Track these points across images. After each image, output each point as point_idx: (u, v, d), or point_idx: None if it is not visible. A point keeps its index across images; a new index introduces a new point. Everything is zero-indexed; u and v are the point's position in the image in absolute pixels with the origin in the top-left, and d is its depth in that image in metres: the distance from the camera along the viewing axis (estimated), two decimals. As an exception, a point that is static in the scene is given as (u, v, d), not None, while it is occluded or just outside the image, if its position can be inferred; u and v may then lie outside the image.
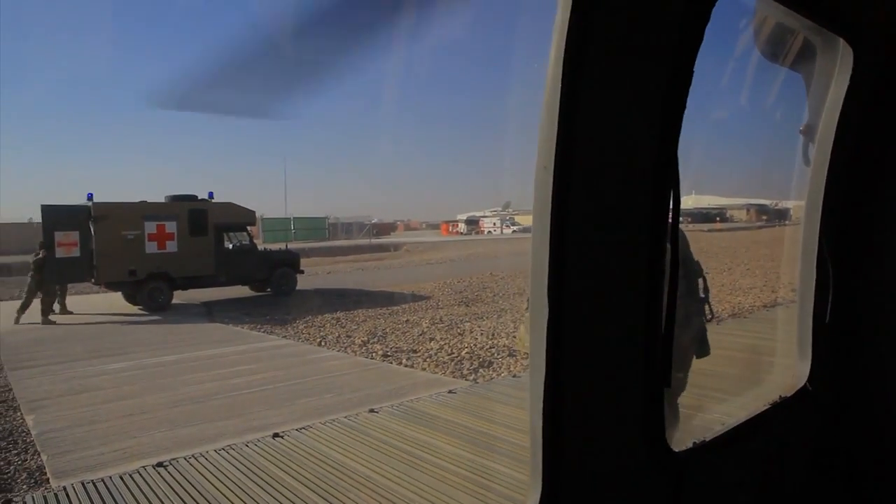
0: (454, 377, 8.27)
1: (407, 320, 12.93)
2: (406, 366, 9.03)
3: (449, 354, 9.58)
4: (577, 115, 1.11)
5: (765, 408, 1.95)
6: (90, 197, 15.38)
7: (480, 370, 8.67)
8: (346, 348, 10.36)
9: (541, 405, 1.17)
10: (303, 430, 5.87)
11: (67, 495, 4.58)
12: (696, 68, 1.33)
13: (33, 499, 4.56)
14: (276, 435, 5.75)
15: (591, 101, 1.13)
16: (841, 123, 1.92)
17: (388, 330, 11.86)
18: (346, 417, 6.23)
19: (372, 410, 6.46)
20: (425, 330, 11.74)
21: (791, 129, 2.22)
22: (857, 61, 1.85)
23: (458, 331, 11.54)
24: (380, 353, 9.89)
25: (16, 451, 5.88)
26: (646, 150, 1.28)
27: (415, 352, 9.89)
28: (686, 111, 1.34)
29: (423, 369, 8.80)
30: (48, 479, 5.15)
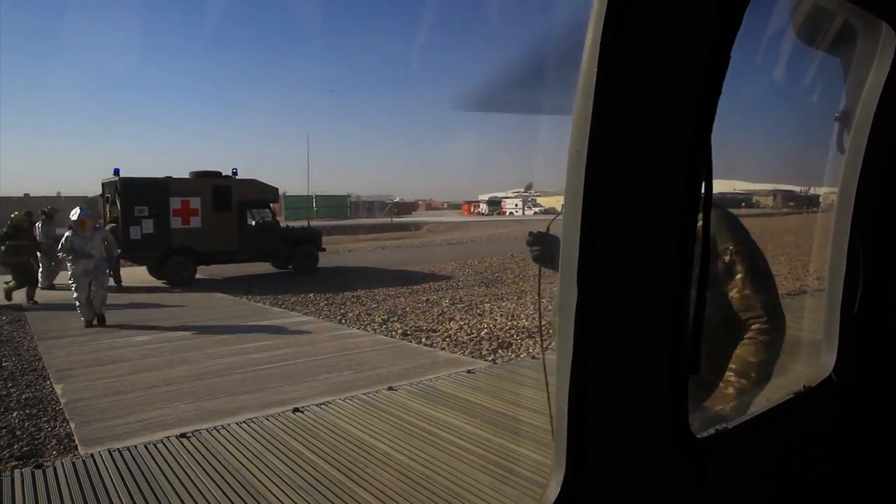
0: (473, 357, 8.31)
1: (427, 299, 12.98)
2: (425, 345, 9.09)
3: (468, 334, 9.62)
4: (611, 99, 1.10)
5: (789, 397, 1.94)
6: (116, 172, 15.59)
7: (499, 351, 8.70)
8: (366, 326, 10.45)
9: (567, 388, 1.17)
10: (322, 406, 5.95)
11: (95, 462, 4.70)
12: (731, 53, 1.31)
13: (63, 465, 4.69)
14: (296, 410, 5.84)
15: (626, 85, 1.12)
16: (880, 111, 1.87)
17: (408, 309, 11.94)
18: (365, 394, 6.30)
19: (391, 388, 6.52)
20: (445, 309, 11.78)
21: (825, 115, 2.16)
22: None
23: (478, 311, 11.57)
24: (399, 331, 9.96)
25: (46, 419, 6.05)
26: (680, 135, 1.26)
27: (434, 331, 9.95)
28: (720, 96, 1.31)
29: (442, 349, 8.85)
30: (76, 447, 5.30)
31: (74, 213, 10.49)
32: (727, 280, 2.02)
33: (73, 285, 10.38)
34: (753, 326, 2.00)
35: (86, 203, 15.11)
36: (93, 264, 10.41)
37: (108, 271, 11.09)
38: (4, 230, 13.12)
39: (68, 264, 10.43)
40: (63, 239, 10.39)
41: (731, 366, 2.02)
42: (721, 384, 2.01)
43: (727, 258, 2.01)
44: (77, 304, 10.42)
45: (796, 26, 2.01)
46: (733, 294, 2.02)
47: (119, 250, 15.05)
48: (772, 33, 2.07)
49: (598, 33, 1.07)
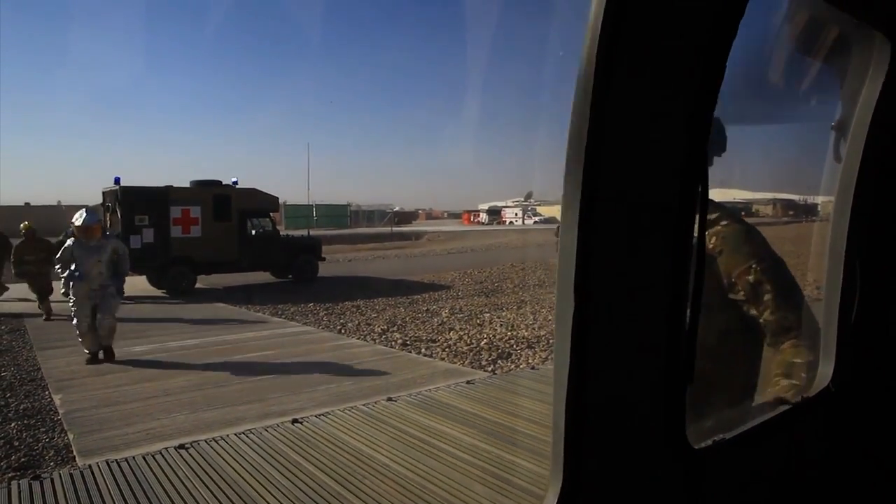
0: (472, 368, 8.29)
1: (427, 309, 12.97)
2: (425, 355, 9.07)
3: (468, 345, 9.61)
4: (607, 111, 1.10)
5: (786, 407, 1.93)
6: (117, 181, 15.62)
7: (499, 361, 8.68)
8: (365, 336, 10.43)
9: (564, 398, 1.17)
10: (321, 417, 5.93)
11: (93, 473, 4.68)
12: (727, 60, 1.31)
13: (60, 476, 4.66)
14: (295, 420, 5.82)
15: (622, 96, 1.12)
16: (875, 120, 1.88)
17: (407, 319, 11.92)
18: (364, 405, 6.28)
19: (390, 399, 6.50)
20: (445, 320, 11.77)
21: (822, 124, 2.17)
22: (894, 56, 1.81)
23: (478, 321, 11.55)
24: (399, 341, 9.94)
25: (44, 430, 6.02)
26: (675, 144, 1.27)
27: (434, 341, 9.93)
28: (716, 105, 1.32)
29: (442, 359, 8.83)
30: (74, 458, 5.27)
31: (79, 217, 8.24)
32: (755, 302, 1.93)
33: (73, 310, 8.38)
34: (790, 336, 1.95)
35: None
36: (98, 283, 8.30)
37: (116, 293, 8.60)
38: (62, 237, 12.94)
39: (64, 281, 8.38)
40: (62, 249, 8.44)
41: (777, 371, 1.94)
42: (770, 390, 1.95)
43: (751, 278, 1.91)
44: (77, 332, 8.48)
45: (792, 36, 2.02)
46: (767, 316, 1.93)
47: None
48: (767, 43, 2.08)
49: (594, 44, 1.07)
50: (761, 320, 1.96)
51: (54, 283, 12.16)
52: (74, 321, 8.41)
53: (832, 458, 2.11)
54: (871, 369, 2.14)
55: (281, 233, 18.80)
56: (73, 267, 8.24)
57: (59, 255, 8.41)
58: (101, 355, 8.54)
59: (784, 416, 1.86)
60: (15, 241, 12.78)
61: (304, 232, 21.86)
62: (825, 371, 2.03)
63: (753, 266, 1.93)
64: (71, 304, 8.40)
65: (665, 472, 1.42)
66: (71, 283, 8.26)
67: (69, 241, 8.37)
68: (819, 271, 2.18)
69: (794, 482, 1.93)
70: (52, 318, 11.94)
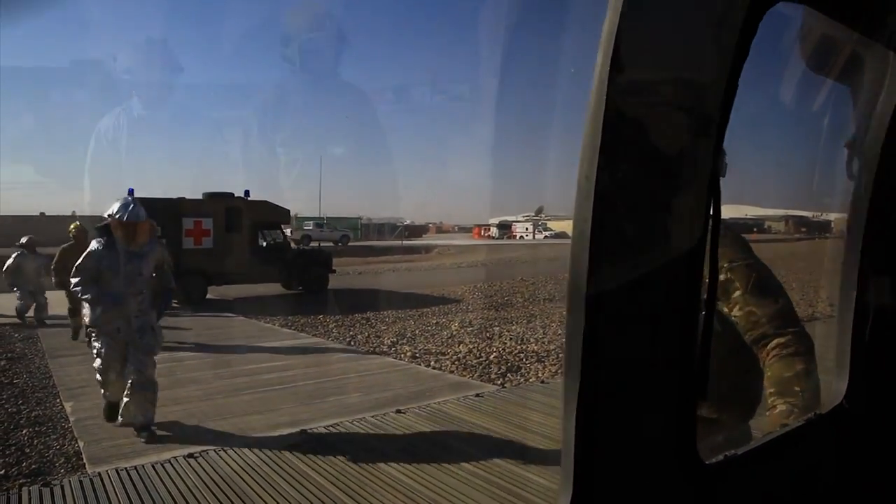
0: (482, 381, 8.26)
1: (436, 322, 12.96)
2: (434, 368, 9.06)
3: (477, 358, 9.58)
4: (621, 127, 1.11)
5: (799, 424, 1.92)
6: (131, 192, 15.77)
7: (508, 375, 8.65)
8: (375, 348, 10.43)
9: (574, 412, 1.17)
10: (330, 428, 5.93)
11: (102, 481, 4.70)
12: (739, 79, 1.33)
13: (70, 483, 4.69)
14: (303, 431, 5.82)
15: (635, 112, 1.14)
16: (889, 137, 1.88)
17: (417, 331, 11.91)
18: (373, 417, 6.28)
19: (399, 411, 6.50)
20: (454, 333, 11.75)
21: (834, 141, 2.18)
22: None
23: (487, 335, 11.53)
24: (408, 354, 9.94)
25: (55, 437, 6.06)
26: (687, 161, 1.28)
27: (443, 354, 9.91)
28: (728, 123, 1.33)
29: (451, 372, 8.81)
30: (84, 465, 5.30)
31: (121, 209, 5.59)
32: (726, 300, 1.94)
33: (96, 346, 5.80)
34: (771, 343, 1.89)
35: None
36: (136, 309, 5.75)
37: (157, 320, 6.12)
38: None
39: (87, 305, 5.76)
40: (85, 255, 5.71)
41: (770, 390, 1.89)
42: (768, 413, 1.90)
43: (722, 277, 1.92)
44: (99, 378, 5.98)
45: (805, 55, 2.03)
46: (735, 312, 1.93)
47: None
48: (781, 62, 2.10)
49: (606, 61, 1.09)
50: (733, 317, 1.95)
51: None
52: (97, 362, 5.85)
53: (847, 477, 2.09)
54: (886, 386, 2.13)
55: (292, 245, 18.90)
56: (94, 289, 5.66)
57: (80, 261, 5.70)
58: (141, 432, 5.78)
59: (797, 432, 1.85)
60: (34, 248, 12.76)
61: (314, 244, 21.95)
62: (839, 388, 2.02)
63: (725, 266, 1.94)
64: (94, 338, 5.85)
65: (676, 488, 1.42)
66: (98, 310, 5.66)
67: (94, 244, 5.73)
68: (832, 287, 2.18)
69: (807, 498, 1.92)
70: (80, 339, 9.88)
